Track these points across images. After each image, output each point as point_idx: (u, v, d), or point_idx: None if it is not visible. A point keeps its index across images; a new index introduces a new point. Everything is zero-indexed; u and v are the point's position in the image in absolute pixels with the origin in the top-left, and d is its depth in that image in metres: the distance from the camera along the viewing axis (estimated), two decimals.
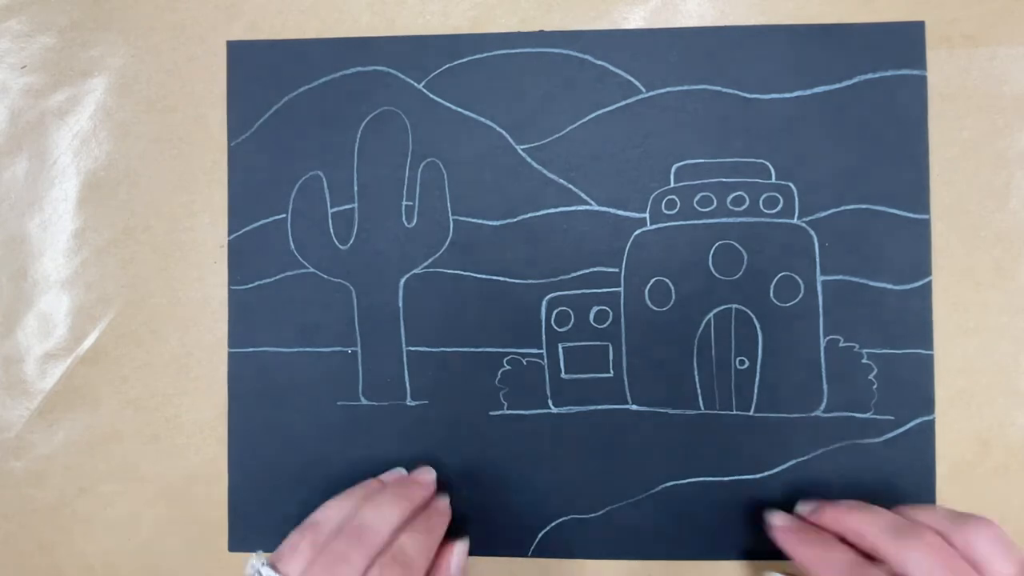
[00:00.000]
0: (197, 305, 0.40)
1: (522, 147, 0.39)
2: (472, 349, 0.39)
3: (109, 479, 0.40)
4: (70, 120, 0.40)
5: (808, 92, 0.38)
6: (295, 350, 0.39)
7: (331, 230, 0.39)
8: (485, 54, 0.39)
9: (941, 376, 0.38)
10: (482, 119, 0.39)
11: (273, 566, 0.31)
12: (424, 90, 0.39)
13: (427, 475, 0.38)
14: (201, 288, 0.40)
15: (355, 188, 0.39)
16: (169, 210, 0.40)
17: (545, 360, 0.39)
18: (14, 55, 0.41)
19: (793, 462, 0.38)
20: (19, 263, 0.40)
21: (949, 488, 0.37)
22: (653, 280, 0.38)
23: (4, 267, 0.40)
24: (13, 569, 0.40)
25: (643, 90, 0.39)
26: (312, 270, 0.39)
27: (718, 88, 0.39)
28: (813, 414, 0.38)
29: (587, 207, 0.39)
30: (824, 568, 0.32)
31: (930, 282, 0.38)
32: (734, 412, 0.38)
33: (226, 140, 0.40)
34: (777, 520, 0.36)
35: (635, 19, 0.39)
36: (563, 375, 0.39)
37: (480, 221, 0.39)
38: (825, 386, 0.38)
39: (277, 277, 0.39)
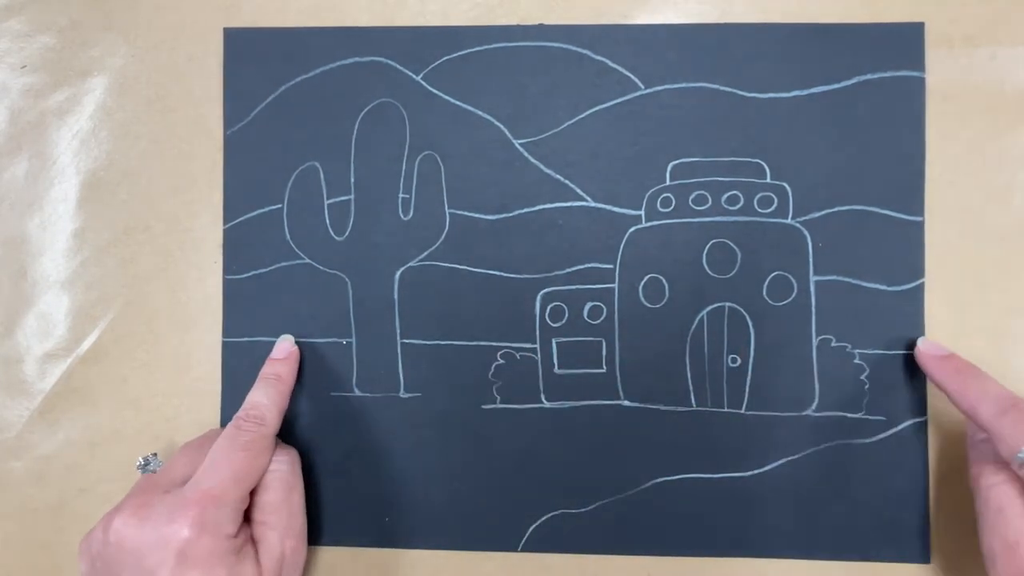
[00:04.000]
0: (197, 305, 0.40)
1: (519, 142, 0.39)
2: (466, 343, 0.39)
3: (109, 479, 0.40)
4: (70, 120, 0.41)
5: (806, 92, 0.38)
6: None
7: (327, 221, 0.40)
8: (484, 47, 0.39)
9: None
10: (480, 112, 0.39)
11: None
12: (422, 82, 0.39)
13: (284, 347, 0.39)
14: (201, 288, 0.40)
15: (352, 180, 0.40)
16: (169, 210, 0.40)
17: (539, 355, 0.39)
18: (14, 55, 0.41)
19: (783, 460, 0.38)
20: (19, 263, 0.41)
21: (948, 488, 0.37)
22: (647, 277, 0.38)
23: (4, 267, 0.41)
24: (13, 569, 0.40)
25: (641, 87, 0.39)
26: (308, 261, 0.39)
27: (716, 86, 0.38)
28: (804, 413, 0.38)
29: (583, 203, 0.39)
30: (981, 401, 0.33)
31: (923, 284, 0.38)
32: (725, 410, 0.38)
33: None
34: (925, 346, 0.36)
35: (635, 18, 0.39)
36: (556, 370, 0.39)
37: (476, 215, 0.39)
38: (817, 385, 0.38)
39: (272, 267, 0.40)
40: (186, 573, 0.31)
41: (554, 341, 0.39)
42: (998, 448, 0.32)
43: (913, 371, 0.38)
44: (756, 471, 0.38)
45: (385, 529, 0.39)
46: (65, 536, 0.40)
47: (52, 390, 0.40)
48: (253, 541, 0.34)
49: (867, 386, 0.38)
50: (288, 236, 0.40)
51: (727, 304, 0.38)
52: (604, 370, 0.39)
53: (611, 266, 0.39)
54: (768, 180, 0.38)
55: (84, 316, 0.40)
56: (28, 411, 0.40)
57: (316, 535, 0.39)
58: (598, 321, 0.39)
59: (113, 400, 0.40)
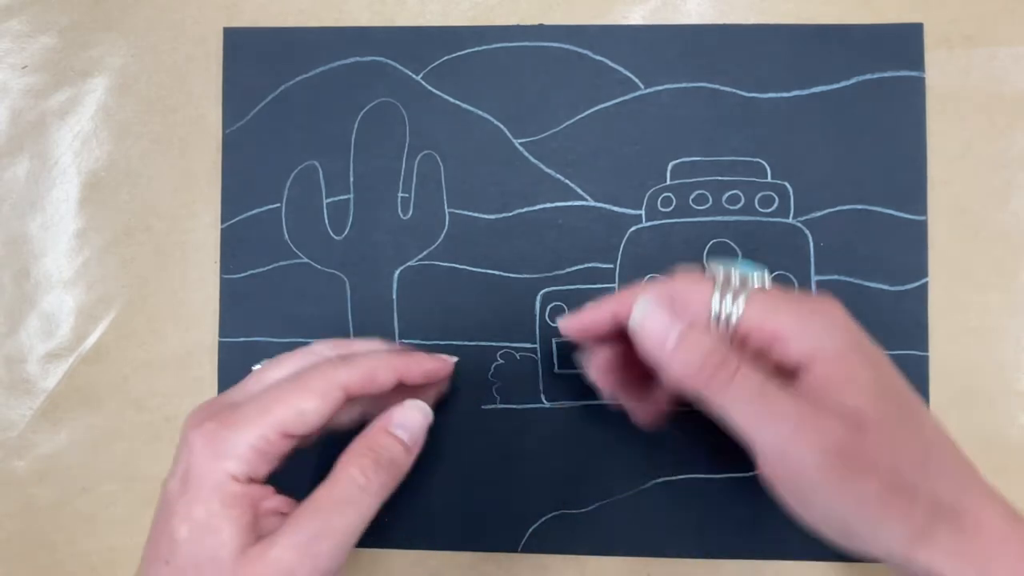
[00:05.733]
0: (198, 305, 0.40)
1: (519, 141, 0.39)
2: (465, 342, 0.39)
3: (111, 478, 0.40)
4: (71, 120, 0.41)
5: (806, 92, 0.38)
6: (287, 340, 0.39)
7: (326, 221, 0.39)
8: (484, 47, 0.39)
9: (941, 376, 0.38)
10: (480, 112, 0.39)
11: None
12: (422, 82, 0.39)
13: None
14: (202, 288, 0.40)
15: (351, 179, 0.39)
16: (169, 210, 0.40)
17: (538, 355, 0.39)
18: (15, 55, 0.41)
19: None
20: (21, 263, 0.41)
21: None
22: (647, 277, 0.38)
23: (6, 267, 0.41)
24: (15, 568, 0.40)
25: (641, 86, 0.39)
26: (306, 260, 0.39)
27: (716, 86, 0.38)
28: None
29: (583, 202, 0.39)
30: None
31: (926, 284, 0.38)
32: None
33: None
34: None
35: (635, 18, 0.39)
36: (556, 370, 0.39)
37: (476, 215, 0.39)
38: None
39: (270, 267, 0.39)
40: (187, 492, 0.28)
41: (554, 341, 0.39)
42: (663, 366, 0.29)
43: (916, 372, 0.37)
44: (757, 471, 0.38)
45: (384, 529, 0.39)
46: (67, 535, 0.40)
47: (55, 389, 0.40)
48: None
49: None
50: (286, 235, 0.39)
51: None
52: None
53: (611, 266, 0.39)
54: (769, 179, 0.38)
55: (86, 316, 0.40)
56: (31, 410, 0.40)
57: None
58: None
59: (115, 399, 0.40)
